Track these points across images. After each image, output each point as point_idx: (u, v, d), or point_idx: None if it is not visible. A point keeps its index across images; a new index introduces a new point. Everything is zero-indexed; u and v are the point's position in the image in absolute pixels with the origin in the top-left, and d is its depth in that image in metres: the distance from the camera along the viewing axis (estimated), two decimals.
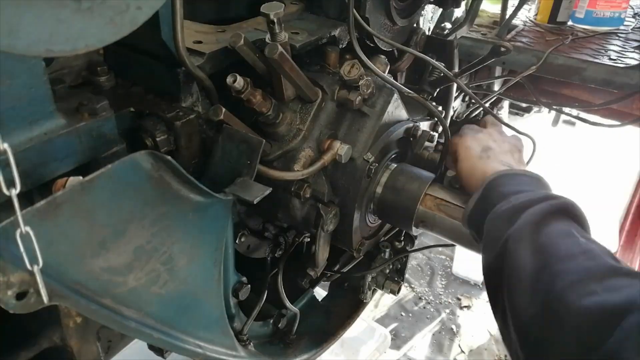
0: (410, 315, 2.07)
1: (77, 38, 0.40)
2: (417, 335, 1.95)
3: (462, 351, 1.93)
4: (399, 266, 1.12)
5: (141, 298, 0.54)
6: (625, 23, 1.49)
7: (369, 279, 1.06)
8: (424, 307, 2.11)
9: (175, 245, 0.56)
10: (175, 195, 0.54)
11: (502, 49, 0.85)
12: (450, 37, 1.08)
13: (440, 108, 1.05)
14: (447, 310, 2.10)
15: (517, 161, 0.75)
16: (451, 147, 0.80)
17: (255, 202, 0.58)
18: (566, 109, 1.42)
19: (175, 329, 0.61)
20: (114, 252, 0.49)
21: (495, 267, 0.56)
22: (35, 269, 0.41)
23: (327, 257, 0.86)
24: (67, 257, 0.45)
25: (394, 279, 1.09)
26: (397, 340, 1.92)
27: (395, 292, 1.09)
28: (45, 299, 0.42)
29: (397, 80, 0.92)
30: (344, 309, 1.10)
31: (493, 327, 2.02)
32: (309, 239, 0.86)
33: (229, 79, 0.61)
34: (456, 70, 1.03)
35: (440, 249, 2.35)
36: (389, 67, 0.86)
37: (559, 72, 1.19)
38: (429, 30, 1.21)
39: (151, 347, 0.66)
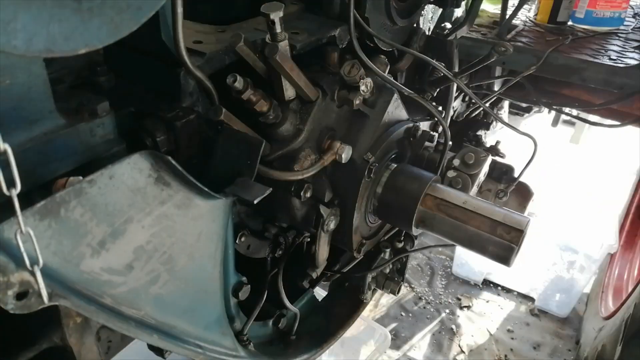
0: (410, 315, 2.07)
1: (77, 38, 0.40)
2: (417, 335, 1.95)
3: (462, 351, 1.93)
4: (399, 266, 1.12)
5: (141, 298, 0.54)
6: (625, 23, 1.49)
7: (369, 279, 1.06)
8: (424, 307, 2.11)
9: (175, 246, 0.56)
10: (175, 196, 0.54)
11: (502, 49, 0.85)
12: (450, 37, 1.08)
13: (440, 108, 1.05)
14: (447, 310, 2.10)
15: None
16: None
17: (255, 202, 0.58)
18: (566, 109, 1.42)
19: (175, 329, 0.61)
20: (114, 252, 0.49)
21: None
22: (36, 269, 0.41)
23: (327, 257, 0.86)
24: (67, 257, 0.45)
25: (394, 279, 1.09)
26: (397, 340, 1.92)
27: (395, 292, 1.09)
28: (45, 299, 0.42)
29: (397, 80, 0.92)
30: (344, 309, 1.10)
31: (493, 327, 2.02)
32: (309, 239, 0.86)
33: (229, 79, 0.61)
34: (456, 70, 1.03)
35: (440, 249, 2.35)
36: (389, 67, 0.86)
37: (559, 72, 1.19)
38: (429, 30, 1.21)
39: (151, 347, 0.66)
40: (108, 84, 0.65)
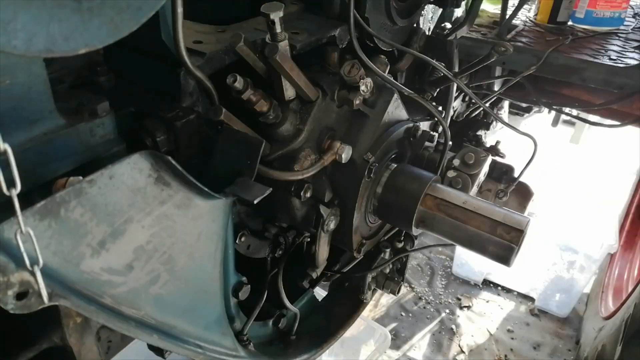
0: (410, 315, 2.07)
1: (77, 38, 0.40)
2: (417, 335, 1.95)
3: (462, 351, 1.93)
4: (399, 266, 1.12)
5: (141, 298, 0.54)
6: (625, 23, 1.49)
7: (369, 279, 1.06)
8: (424, 307, 2.11)
9: (175, 246, 0.56)
10: (175, 196, 0.54)
11: (502, 49, 0.85)
12: (450, 37, 1.08)
13: (440, 108, 1.05)
14: (447, 310, 2.10)
15: None
16: None
17: (255, 202, 0.58)
18: (566, 109, 1.42)
19: (175, 329, 0.61)
20: (114, 252, 0.49)
21: None
22: (36, 269, 0.41)
23: (327, 257, 0.86)
24: (67, 257, 0.45)
25: (394, 278, 1.09)
26: (397, 340, 1.92)
27: (395, 292, 1.09)
28: (45, 299, 0.42)
29: (397, 80, 0.92)
30: (344, 309, 1.10)
31: (493, 327, 2.02)
32: (309, 239, 0.86)
33: (229, 79, 0.61)
34: (456, 70, 1.03)
35: (440, 249, 2.35)
36: (389, 67, 0.86)
37: (559, 72, 1.19)
38: (429, 30, 1.21)
39: (151, 347, 0.66)
40: (108, 84, 0.65)
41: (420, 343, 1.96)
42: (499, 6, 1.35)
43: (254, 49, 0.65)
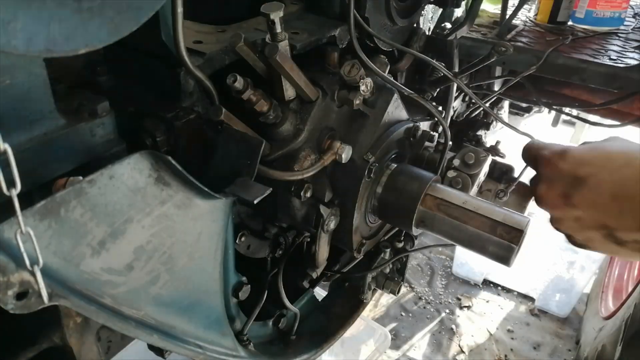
0: (410, 315, 2.07)
1: (77, 38, 0.40)
2: (417, 335, 1.95)
3: (462, 351, 1.93)
4: (399, 266, 1.12)
5: (141, 298, 0.54)
6: (626, 23, 1.49)
7: (369, 279, 1.06)
8: (424, 307, 2.11)
9: (175, 246, 0.56)
10: (175, 196, 0.54)
11: (502, 49, 0.85)
12: (451, 37, 1.08)
13: (440, 108, 1.05)
14: (447, 310, 2.10)
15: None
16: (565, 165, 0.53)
17: (255, 203, 0.58)
18: (566, 109, 1.42)
19: (175, 329, 0.61)
20: (114, 252, 0.49)
21: None
22: (36, 269, 0.41)
23: (327, 257, 0.86)
24: (67, 257, 0.45)
25: (394, 278, 1.09)
26: (397, 340, 1.92)
27: (395, 292, 1.09)
28: (45, 299, 0.42)
29: (397, 80, 0.92)
30: (344, 309, 1.10)
31: (493, 327, 2.02)
32: (309, 239, 0.86)
33: (229, 79, 0.61)
34: (456, 70, 1.03)
35: (440, 249, 2.35)
36: (389, 67, 0.86)
37: (559, 72, 1.19)
38: (429, 30, 1.21)
39: (151, 347, 0.66)
40: (108, 84, 0.65)
41: (420, 343, 1.96)
42: (499, 6, 1.35)
43: (254, 49, 0.65)
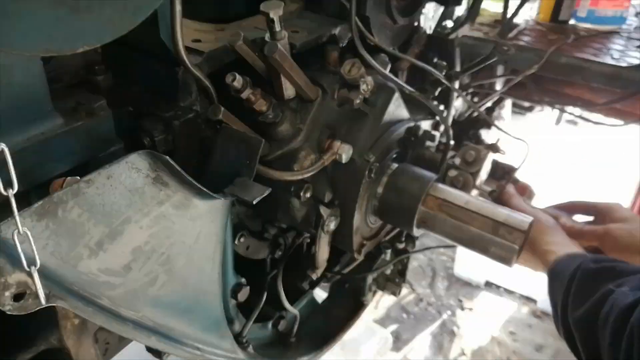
0: (412, 316, 2.06)
1: (75, 37, 0.40)
2: (418, 337, 1.94)
3: (464, 353, 1.91)
4: (400, 267, 1.11)
5: (139, 299, 0.53)
6: (628, 22, 1.48)
7: (370, 280, 1.05)
8: (425, 309, 2.10)
9: (173, 246, 0.56)
10: (174, 196, 0.53)
11: (505, 49, 0.85)
12: (452, 36, 1.08)
13: (441, 107, 1.05)
14: (449, 312, 2.08)
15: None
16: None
17: (254, 203, 0.57)
18: (569, 108, 1.41)
19: (174, 330, 0.60)
20: (112, 253, 0.49)
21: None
22: (33, 269, 0.40)
23: (327, 258, 0.85)
24: (64, 258, 0.44)
25: (395, 280, 1.08)
26: (398, 341, 1.91)
27: (396, 293, 1.09)
28: (42, 300, 0.42)
29: (398, 79, 0.91)
30: (344, 310, 1.09)
31: (495, 328, 2.01)
32: (309, 240, 0.86)
33: (228, 78, 0.61)
34: (458, 69, 1.03)
35: (441, 250, 2.34)
36: (389, 66, 0.86)
37: (561, 71, 1.18)
38: (430, 28, 1.20)
39: (149, 349, 0.65)
40: (106, 83, 0.64)
41: (421, 345, 1.95)
42: (501, 5, 1.34)
43: (253, 48, 0.65)
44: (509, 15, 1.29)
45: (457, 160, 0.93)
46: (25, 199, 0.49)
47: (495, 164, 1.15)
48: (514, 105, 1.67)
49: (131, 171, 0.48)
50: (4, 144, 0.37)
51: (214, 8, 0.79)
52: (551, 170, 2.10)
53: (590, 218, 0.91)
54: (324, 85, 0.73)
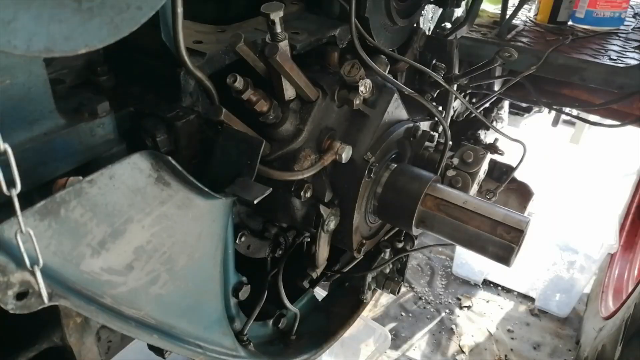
0: (410, 315, 2.07)
1: (77, 38, 0.40)
2: (416, 335, 1.95)
3: (462, 351, 1.93)
4: (399, 266, 1.12)
5: (141, 298, 0.54)
6: (626, 23, 1.49)
7: (369, 279, 1.06)
8: (424, 307, 2.11)
9: (175, 246, 0.56)
10: (175, 196, 0.53)
11: (507, 55, 0.85)
12: (451, 37, 1.08)
13: (440, 108, 1.05)
14: (447, 310, 2.10)
15: None
16: None
17: (255, 202, 0.58)
18: (566, 109, 1.42)
19: (175, 329, 0.61)
20: (114, 252, 0.49)
21: None
22: (36, 269, 0.41)
23: (327, 257, 0.86)
24: (67, 257, 0.45)
25: (394, 278, 1.09)
26: (397, 340, 1.92)
27: (395, 292, 1.09)
28: (45, 299, 0.42)
29: (397, 80, 0.92)
30: (344, 309, 1.10)
31: (493, 327, 2.02)
32: (309, 239, 0.86)
33: (229, 79, 0.61)
34: (456, 70, 1.03)
35: (440, 248, 2.35)
36: (389, 67, 0.86)
37: (559, 72, 1.19)
38: (429, 30, 1.21)
39: (151, 347, 0.66)
40: (108, 84, 0.65)
41: (420, 343, 1.96)
42: (499, 6, 1.35)
43: (254, 49, 0.65)
44: (507, 16, 1.30)
45: (456, 161, 0.94)
46: (28, 199, 0.49)
47: (494, 164, 1.16)
48: (512, 106, 1.68)
49: (133, 171, 0.48)
50: (7, 144, 0.37)
51: (215, 10, 0.79)
52: (549, 170, 2.11)
53: None
54: (324, 86, 0.74)
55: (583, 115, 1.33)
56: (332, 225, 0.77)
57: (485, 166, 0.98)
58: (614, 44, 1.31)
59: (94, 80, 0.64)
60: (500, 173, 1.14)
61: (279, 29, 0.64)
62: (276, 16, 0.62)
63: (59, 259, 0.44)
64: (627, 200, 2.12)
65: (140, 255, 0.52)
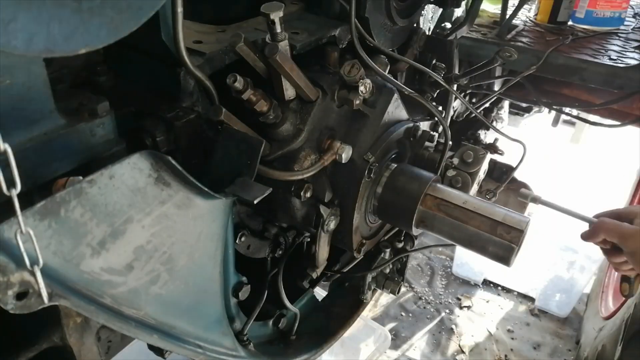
0: (410, 315, 2.07)
1: (77, 38, 0.40)
2: (416, 335, 1.95)
3: (462, 351, 1.93)
4: (399, 266, 1.12)
5: (141, 298, 0.54)
6: (626, 23, 1.49)
7: (369, 279, 1.06)
8: (424, 307, 2.11)
9: (175, 246, 0.56)
10: (175, 196, 0.53)
11: (507, 55, 0.85)
12: (450, 37, 1.08)
13: (440, 108, 1.05)
14: (447, 310, 2.10)
15: None
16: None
17: (255, 202, 0.58)
18: (566, 109, 1.42)
19: (175, 329, 0.61)
20: (114, 252, 0.49)
21: None
22: (36, 269, 0.41)
23: (327, 257, 0.86)
24: (67, 257, 0.45)
25: (394, 278, 1.09)
26: (397, 339, 1.92)
27: (395, 292, 1.09)
28: (45, 299, 0.42)
29: (397, 80, 0.92)
30: (344, 309, 1.10)
31: (493, 327, 2.02)
32: (309, 239, 0.86)
33: (229, 79, 0.61)
34: (456, 70, 1.03)
35: (440, 249, 2.35)
36: (389, 67, 0.86)
37: (559, 72, 1.19)
38: (429, 30, 1.21)
39: (151, 347, 0.66)
40: (108, 84, 0.65)
41: (420, 343, 1.96)
42: (499, 6, 1.35)
43: (254, 49, 0.65)
44: (507, 16, 1.30)
45: (456, 161, 0.94)
46: (28, 199, 0.49)
47: (494, 164, 1.16)
48: (512, 106, 1.68)
49: (133, 171, 0.48)
50: (7, 144, 0.37)
51: (215, 9, 0.79)
52: (549, 170, 2.11)
53: None
54: (324, 86, 0.74)
55: (583, 115, 1.33)
56: (332, 225, 0.77)
57: (485, 166, 0.98)
58: (614, 44, 1.31)
59: (94, 80, 0.64)
60: (500, 173, 1.14)
61: (279, 29, 0.64)
62: (276, 16, 0.62)
63: (59, 259, 0.44)
64: (627, 200, 2.12)
65: (140, 255, 0.52)
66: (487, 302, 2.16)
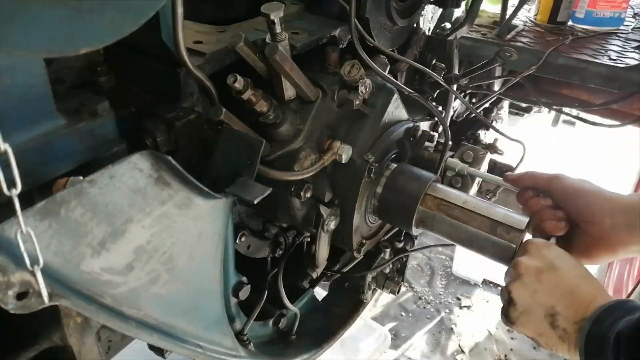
0: (410, 314, 2.07)
1: (78, 38, 0.40)
2: (416, 335, 1.95)
3: (462, 351, 1.93)
4: (399, 266, 1.12)
5: (141, 298, 0.54)
6: (625, 23, 1.49)
7: (369, 278, 1.06)
8: (424, 307, 2.11)
9: (175, 245, 0.56)
10: (176, 196, 0.54)
11: (507, 55, 0.85)
12: (450, 37, 1.08)
13: (440, 108, 1.05)
14: (447, 310, 2.10)
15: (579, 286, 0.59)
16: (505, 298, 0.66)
17: (255, 203, 0.58)
18: (566, 109, 1.42)
19: (176, 328, 0.61)
20: (114, 252, 0.49)
21: None
22: (36, 269, 0.41)
23: (327, 257, 0.86)
24: (67, 257, 0.45)
25: (394, 278, 1.09)
26: (397, 339, 1.93)
27: (395, 292, 1.10)
28: (45, 299, 0.42)
29: (397, 80, 0.92)
30: (344, 309, 1.10)
31: (493, 326, 2.02)
32: (309, 239, 0.86)
33: (229, 79, 0.61)
34: (456, 70, 1.03)
35: (440, 248, 2.35)
36: (389, 67, 0.86)
37: (559, 72, 1.19)
38: (429, 30, 1.21)
39: (151, 347, 0.66)
40: (108, 84, 0.65)
41: (419, 342, 1.96)
42: (499, 6, 1.35)
43: (254, 49, 0.65)
44: (507, 16, 1.30)
45: (456, 168, 0.94)
46: (28, 199, 0.49)
47: (494, 164, 1.16)
48: (512, 106, 1.68)
49: (134, 171, 0.48)
50: (7, 144, 0.37)
51: (215, 10, 0.79)
52: (549, 170, 2.11)
53: None
54: (324, 86, 0.74)
55: (583, 115, 1.34)
56: (332, 225, 0.77)
57: (485, 166, 0.98)
58: (613, 44, 1.31)
59: (94, 81, 0.64)
60: (500, 173, 1.14)
61: (279, 29, 0.64)
62: (276, 16, 0.62)
63: (59, 259, 0.44)
64: None
65: (140, 255, 0.52)
66: (487, 301, 2.16)
